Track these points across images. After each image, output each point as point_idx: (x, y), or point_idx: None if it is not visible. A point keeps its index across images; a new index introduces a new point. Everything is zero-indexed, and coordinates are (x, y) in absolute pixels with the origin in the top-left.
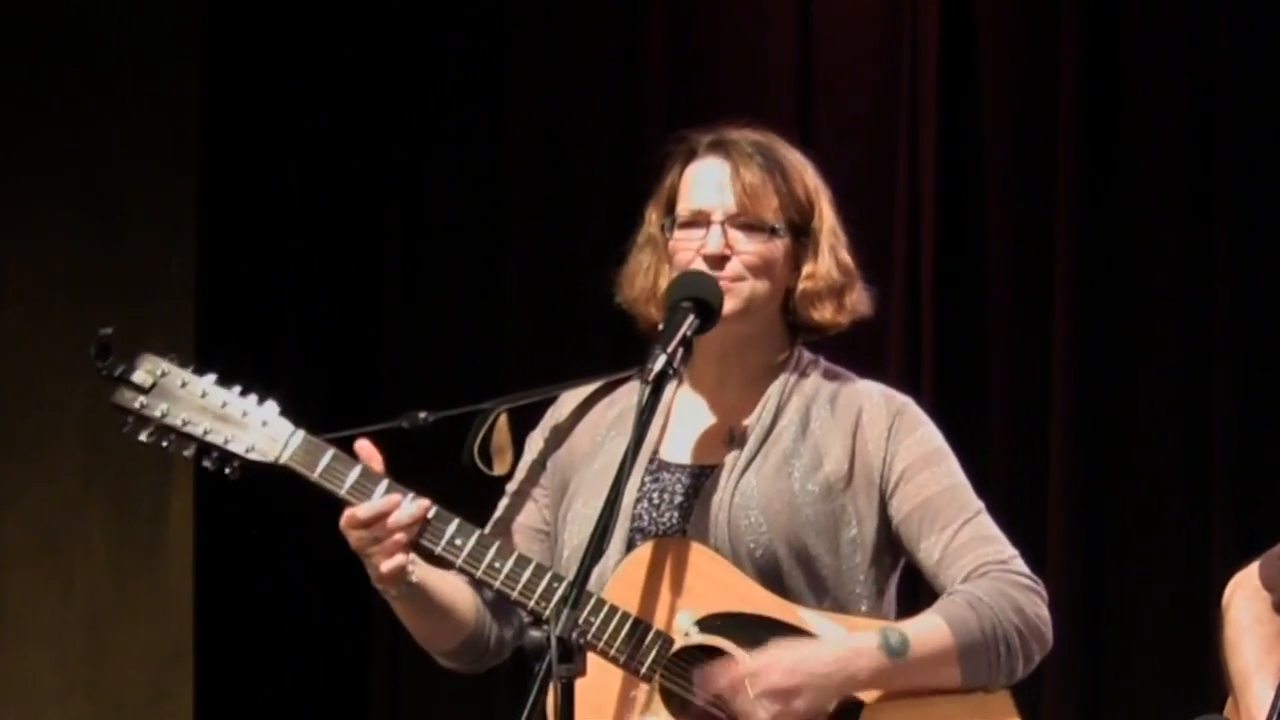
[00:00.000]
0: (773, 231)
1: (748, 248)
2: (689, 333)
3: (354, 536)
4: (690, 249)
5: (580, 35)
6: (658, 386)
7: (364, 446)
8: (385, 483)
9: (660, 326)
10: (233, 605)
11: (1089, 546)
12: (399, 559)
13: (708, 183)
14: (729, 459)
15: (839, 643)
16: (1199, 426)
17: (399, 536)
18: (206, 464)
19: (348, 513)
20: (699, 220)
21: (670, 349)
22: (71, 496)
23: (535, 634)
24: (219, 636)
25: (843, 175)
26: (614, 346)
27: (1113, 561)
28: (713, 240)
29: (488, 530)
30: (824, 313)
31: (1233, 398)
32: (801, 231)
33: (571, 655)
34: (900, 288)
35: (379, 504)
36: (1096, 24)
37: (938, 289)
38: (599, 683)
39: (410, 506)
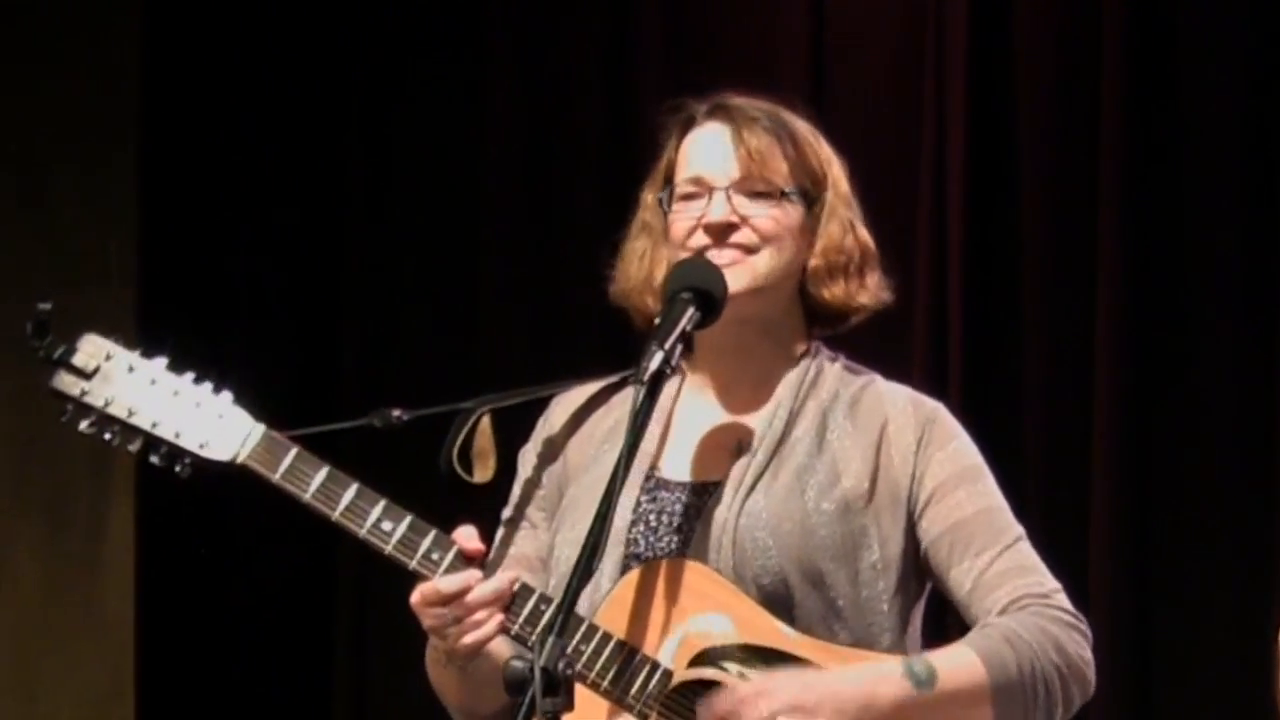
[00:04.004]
0: (783, 195)
1: (758, 212)
2: (688, 327)
3: (429, 615)
4: (690, 219)
5: None
6: (654, 387)
7: (466, 533)
8: (355, 486)
9: (656, 320)
10: (179, 633)
11: (1135, 569)
12: (479, 635)
13: (709, 150)
14: (734, 474)
15: (860, 670)
16: (1257, 434)
17: (478, 616)
18: (154, 460)
19: (430, 587)
20: (700, 190)
21: (668, 345)
22: None
23: (517, 664)
24: (163, 668)
25: (859, 156)
26: (604, 339)
27: (1162, 585)
28: (715, 208)
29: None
30: (835, 289)
31: None
32: (814, 201)
33: (557, 688)
34: (925, 283)
35: (461, 578)
36: None
37: (966, 283)
38: (588, 715)
39: (494, 582)
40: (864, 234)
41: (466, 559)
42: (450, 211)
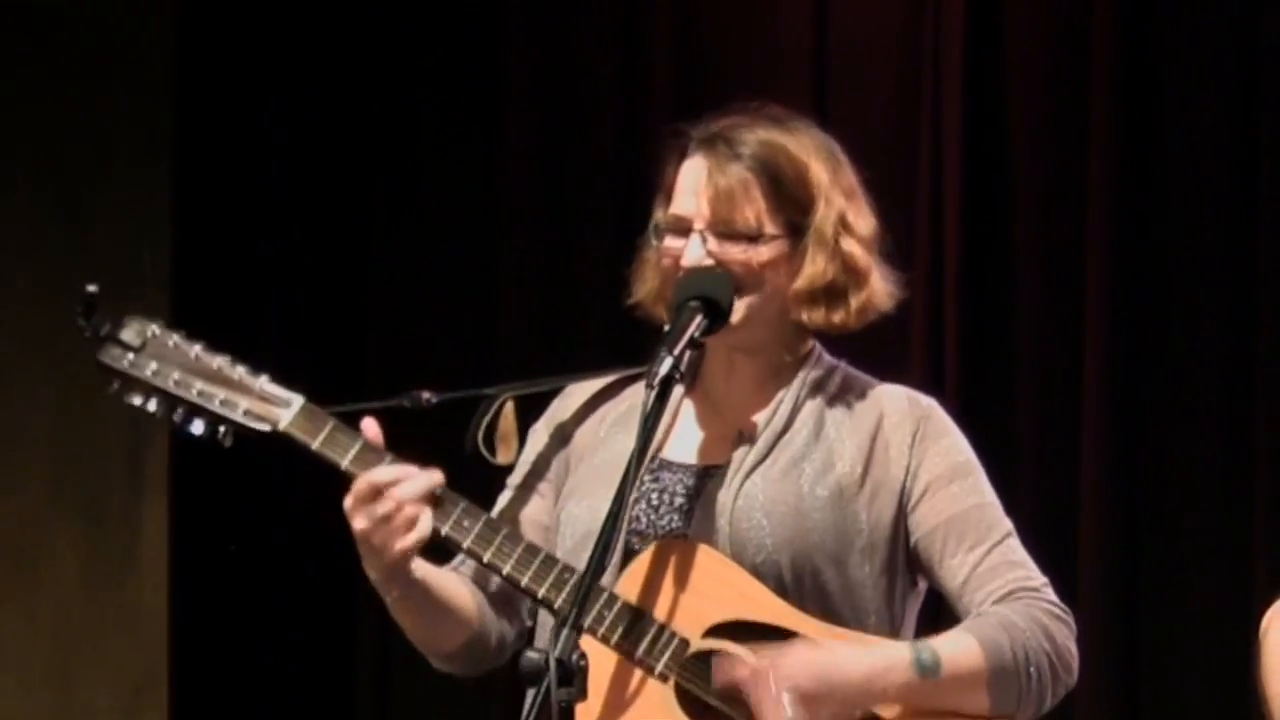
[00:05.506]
0: (753, 239)
1: (730, 256)
2: (696, 334)
3: (362, 514)
4: (672, 258)
5: (581, 12)
6: (663, 391)
7: (369, 425)
8: (389, 457)
9: (666, 327)
10: (211, 624)
11: (1123, 563)
12: (412, 537)
13: (690, 187)
14: (735, 459)
15: (870, 654)
16: (1243, 434)
17: (409, 511)
18: (198, 427)
19: (363, 480)
20: (680, 228)
21: (676, 351)
22: (36, 507)
23: (532, 655)
24: (196, 658)
25: (858, 160)
26: (614, 329)
27: (1149, 580)
28: (690, 251)
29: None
30: (814, 315)
31: (1277, 404)
32: (802, 230)
33: (571, 678)
34: (922, 284)
35: (394, 470)
36: None
37: (962, 283)
38: (606, 675)
39: (424, 477)
40: (854, 251)
41: None
42: (471, 219)
